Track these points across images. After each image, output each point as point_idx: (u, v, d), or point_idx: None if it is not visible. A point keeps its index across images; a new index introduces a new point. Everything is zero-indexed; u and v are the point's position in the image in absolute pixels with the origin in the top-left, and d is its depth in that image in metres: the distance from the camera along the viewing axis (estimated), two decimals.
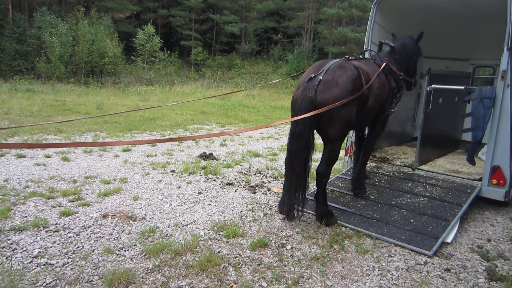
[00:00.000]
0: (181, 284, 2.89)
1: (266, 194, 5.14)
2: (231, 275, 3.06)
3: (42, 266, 3.04)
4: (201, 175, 5.90)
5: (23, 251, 3.27)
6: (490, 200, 4.82)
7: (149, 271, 3.06)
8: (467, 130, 5.22)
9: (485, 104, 4.59)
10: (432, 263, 3.44)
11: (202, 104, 16.39)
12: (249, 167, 6.59)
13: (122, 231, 3.77)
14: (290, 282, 3.00)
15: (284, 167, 4.33)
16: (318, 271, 3.19)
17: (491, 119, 4.58)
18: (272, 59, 36.11)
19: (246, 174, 6.11)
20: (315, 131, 3.90)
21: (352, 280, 3.10)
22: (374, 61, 4.57)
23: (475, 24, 6.51)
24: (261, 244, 3.57)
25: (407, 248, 3.67)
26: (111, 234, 3.68)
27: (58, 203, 4.41)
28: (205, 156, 7.05)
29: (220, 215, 4.33)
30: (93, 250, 3.35)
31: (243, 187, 5.43)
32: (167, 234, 3.76)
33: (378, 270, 3.27)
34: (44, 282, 2.83)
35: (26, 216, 3.99)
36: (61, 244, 3.43)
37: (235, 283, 2.94)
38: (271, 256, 3.41)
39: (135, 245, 3.49)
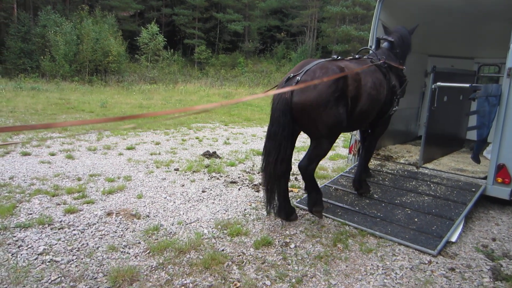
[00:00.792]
0: (185, 282, 2.90)
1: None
2: (235, 273, 3.06)
3: (47, 263, 3.06)
4: (204, 174, 5.91)
5: (29, 248, 3.29)
6: (495, 198, 4.78)
7: (153, 268, 3.07)
8: (472, 128, 5.18)
9: (491, 102, 4.56)
10: (437, 262, 3.42)
11: (206, 103, 16.41)
12: (253, 165, 6.59)
13: (126, 229, 3.78)
14: (293, 280, 2.99)
15: None
16: (322, 269, 3.19)
17: (497, 117, 4.54)
18: (275, 57, 36.08)
19: (249, 173, 6.11)
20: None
21: (356, 279, 3.09)
22: (371, 60, 4.32)
23: (480, 22, 6.46)
24: (264, 243, 3.57)
25: (411, 247, 3.65)
26: (116, 232, 3.70)
27: (62, 201, 4.43)
28: (208, 155, 7.06)
29: (224, 213, 4.34)
30: (97, 248, 3.37)
31: (247, 185, 5.43)
32: (171, 232, 3.77)
33: (382, 269, 3.26)
34: (49, 278, 2.85)
35: (31, 214, 4.01)
36: (66, 241, 3.45)
37: (238, 281, 2.94)
38: (275, 254, 3.41)
39: (139, 242, 3.50)
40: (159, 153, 7.13)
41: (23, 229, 3.64)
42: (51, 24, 24.28)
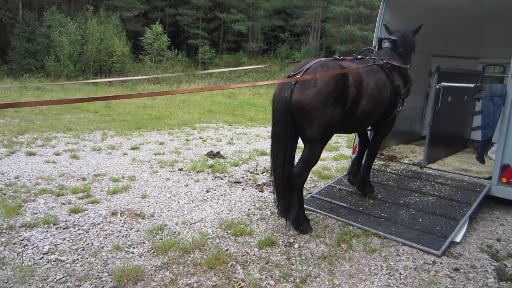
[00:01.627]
0: (189, 281, 2.91)
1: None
2: (239, 273, 3.07)
3: (53, 262, 3.09)
4: (208, 174, 5.92)
5: (34, 247, 3.32)
6: (500, 199, 4.76)
7: (157, 268, 3.08)
8: (477, 128, 5.16)
9: (495, 102, 4.54)
10: (441, 263, 3.41)
11: (209, 103, 16.44)
12: (257, 165, 6.60)
13: (131, 229, 3.81)
14: (297, 280, 3.00)
15: None
16: (326, 270, 3.19)
17: (501, 117, 4.52)
18: (279, 57, 36.05)
19: (253, 173, 6.12)
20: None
21: (360, 279, 3.09)
22: (373, 60, 4.25)
23: (484, 22, 6.43)
24: (268, 243, 3.57)
25: (415, 247, 3.64)
26: (120, 232, 3.72)
27: (67, 200, 4.46)
28: (212, 155, 7.08)
29: (228, 213, 4.35)
30: (102, 247, 3.39)
31: (251, 185, 5.44)
32: (175, 232, 3.78)
33: (386, 269, 3.25)
34: (55, 278, 2.87)
35: (36, 213, 4.05)
36: (71, 240, 3.48)
37: (243, 281, 2.95)
38: (279, 254, 3.41)
39: (144, 242, 3.52)
40: (163, 153, 7.15)
41: (29, 228, 3.67)
42: (56, 25, 24.42)
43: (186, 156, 7.05)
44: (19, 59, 24.28)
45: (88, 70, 24.49)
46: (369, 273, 3.19)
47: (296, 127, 3.65)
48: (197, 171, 6.00)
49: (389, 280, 3.08)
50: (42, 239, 3.46)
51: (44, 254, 3.21)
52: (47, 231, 3.63)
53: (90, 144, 7.55)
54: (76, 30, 24.31)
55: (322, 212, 4.40)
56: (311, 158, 3.75)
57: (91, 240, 3.52)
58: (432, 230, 3.86)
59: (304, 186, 5.48)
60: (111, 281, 2.86)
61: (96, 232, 3.69)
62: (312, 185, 5.62)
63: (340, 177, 5.41)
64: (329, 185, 5.16)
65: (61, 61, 23.13)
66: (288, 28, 38.70)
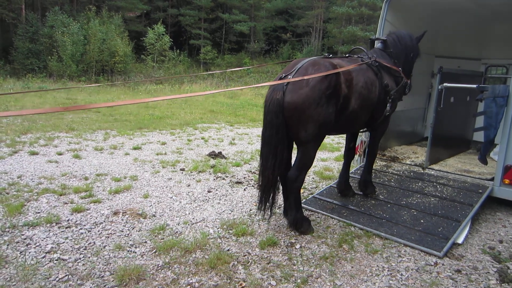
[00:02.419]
0: (191, 281, 2.91)
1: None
2: (240, 273, 3.07)
3: (55, 261, 3.10)
4: (210, 174, 5.93)
5: (37, 246, 3.33)
6: (502, 200, 4.75)
7: (159, 268, 3.09)
8: (479, 129, 5.15)
9: (498, 102, 4.53)
10: (443, 264, 3.41)
11: (211, 103, 16.45)
12: (258, 166, 6.59)
13: (133, 228, 3.82)
14: (299, 281, 3.00)
15: None
16: (327, 270, 3.19)
17: (504, 118, 4.51)
18: (281, 58, 36.05)
19: (255, 173, 6.12)
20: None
21: (361, 280, 3.09)
22: (361, 59, 4.18)
23: (487, 23, 6.42)
24: (270, 243, 3.58)
25: (417, 248, 3.64)
26: (122, 231, 3.73)
27: (70, 200, 4.48)
28: (214, 155, 7.09)
29: (229, 213, 4.35)
30: (104, 247, 3.40)
31: (252, 186, 5.44)
32: (177, 232, 3.79)
33: (388, 270, 3.25)
34: (57, 277, 2.88)
35: (39, 212, 4.06)
36: (73, 240, 3.49)
37: (244, 281, 2.95)
38: (280, 255, 3.41)
39: (146, 242, 3.53)
40: (165, 153, 7.16)
41: (31, 227, 3.68)
42: (58, 25, 24.48)
43: (188, 156, 7.06)
44: (22, 59, 24.35)
45: (91, 70, 24.53)
46: (370, 274, 3.19)
47: (289, 129, 3.57)
48: (199, 171, 6.01)
49: (391, 281, 3.08)
50: (44, 238, 3.48)
51: (46, 253, 3.23)
52: (49, 230, 3.64)
53: (93, 144, 7.57)
54: (78, 30, 24.35)
55: (324, 213, 4.41)
56: (306, 160, 3.70)
57: (93, 239, 3.53)
58: (434, 231, 3.86)
59: (306, 186, 5.51)
60: (113, 280, 2.87)
61: (98, 231, 3.70)
62: (314, 185, 5.62)
63: None
64: (330, 185, 5.16)
65: (63, 61, 23.18)
66: (290, 29, 38.72)
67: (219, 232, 3.83)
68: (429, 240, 3.72)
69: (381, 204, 4.52)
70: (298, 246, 3.59)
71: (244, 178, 5.81)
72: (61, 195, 4.61)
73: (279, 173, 3.64)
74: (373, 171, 5.47)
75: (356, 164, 5.91)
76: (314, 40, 35.12)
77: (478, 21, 6.34)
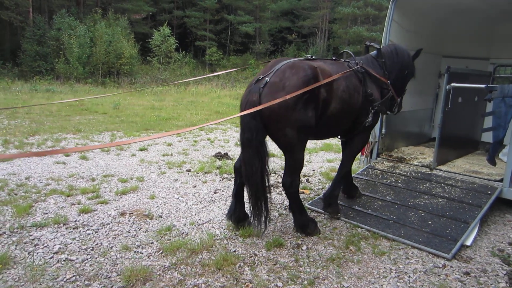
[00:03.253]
0: (197, 282, 2.91)
1: (281, 194, 5.13)
2: (246, 274, 3.07)
3: (63, 262, 3.12)
4: (216, 175, 5.93)
5: (44, 246, 3.36)
6: None
7: (166, 268, 3.09)
8: (488, 130, 5.09)
9: (507, 102, 4.49)
10: (451, 266, 3.37)
11: (217, 104, 16.49)
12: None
13: (139, 229, 3.83)
14: (305, 282, 2.99)
15: None
16: (334, 272, 3.17)
17: None
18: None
19: None
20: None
21: (368, 282, 3.06)
22: (348, 64, 3.98)
23: (496, 22, 6.36)
24: (276, 244, 3.57)
25: (425, 250, 3.60)
26: (129, 232, 3.74)
27: (77, 201, 4.51)
28: (220, 156, 7.09)
29: None
30: (111, 247, 3.41)
31: None
32: (183, 233, 3.80)
33: (395, 272, 3.22)
34: (65, 277, 2.90)
35: (46, 213, 4.09)
36: (80, 240, 3.51)
37: (250, 283, 2.94)
38: (287, 256, 3.40)
39: (152, 243, 3.54)
40: (171, 154, 7.19)
41: (39, 228, 3.71)
42: (65, 27, 24.68)
43: (194, 157, 7.08)
44: (29, 61, 24.59)
45: (97, 72, 24.69)
46: (377, 276, 3.16)
47: (269, 133, 3.49)
48: (205, 172, 6.02)
49: (398, 283, 3.06)
50: (52, 239, 3.50)
51: (54, 253, 3.25)
52: (57, 231, 3.67)
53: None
54: (85, 32, 24.54)
55: None
56: (295, 164, 3.60)
57: (100, 240, 3.55)
58: (442, 233, 3.82)
59: (312, 187, 5.49)
60: (120, 281, 2.88)
61: (105, 232, 3.72)
62: (320, 186, 5.60)
63: None
64: None
65: (70, 63, 23.36)
66: (295, 29, 38.69)
67: (226, 233, 3.83)
68: (437, 242, 3.68)
69: (388, 205, 4.49)
70: (304, 247, 3.58)
71: None
72: (68, 196, 4.64)
73: (267, 175, 3.51)
74: (380, 172, 5.44)
75: (363, 165, 5.89)
76: (320, 41, 35.05)
77: (486, 20, 6.28)
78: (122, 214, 4.19)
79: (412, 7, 5.88)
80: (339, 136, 4.41)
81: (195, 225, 3.99)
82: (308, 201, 4.84)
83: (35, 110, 11.66)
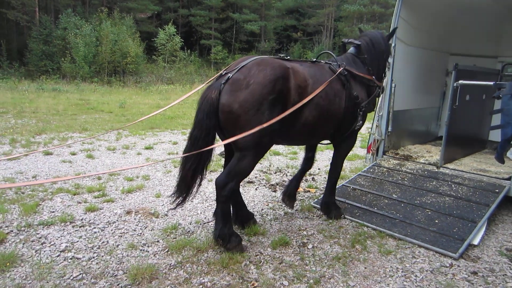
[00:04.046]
0: (203, 280, 2.92)
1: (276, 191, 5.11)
2: (252, 273, 3.06)
3: (69, 260, 3.14)
4: None
5: (51, 245, 3.38)
6: None
7: (171, 267, 3.10)
8: (496, 127, 5.03)
9: None
10: (458, 266, 3.34)
11: None
12: (270, 165, 6.58)
13: (145, 227, 3.84)
14: (311, 281, 2.97)
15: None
16: (340, 271, 3.16)
17: None
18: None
19: (266, 173, 6.10)
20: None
21: (375, 281, 3.05)
22: (329, 66, 3.67)
23: (504, 20, 6.27)
24: (282, 243, 3.56)
25: (431, 249, 3.57)
26: (135, 230, 3.76)
27: (83, 199, 4.53)
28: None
29: None
30: (117, 246, 3.42)
31: (264, 185, 5.43)
32: (189, 231, 3.80)
33: (402, 272, 3.20)
34: (71, 275, 2.92)
35: (53, 212, 4.12)
36: (87, 239, 3.53)
37: (256, 281, 2.94)
38: (292, 255, 3.39)
39: (158, 241, 3.55)
40: (177, 153, 7.20)
41: (46, 226, 3.74)
42: (71, 27, 24.86)
43: None
44: (36, 61, 24.80)
45: (103, 71, 24.85)
46: (384, 275, 3.14)
47: (224, 133, 3.21)
48: (210, 171, 6.02)
49: (405, 283, 3.03)
50: (59, 237, 3.52)
51: (61, 251, 3.27)
52: (63, 229, 3.69)
53: (105, 144, 7.65)
54: (91, 32, 24.70)
55: None
56: (239, 169, 3.19)
57: (106, 238, 3.56)
58: (449, 232, 3.78)
59: (318, 186, 5.47)
60: (126, 279, 2.89)
61: (111, 230, 3.73)
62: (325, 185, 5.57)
63: (354, 176, 5.36)
64: (342, 184, 5.11)
65: (76, 62, 23.53)
66: (301, 28, 38.57)
67: None
68: (444, 241, 3.65)
69: (395, 204, 4.46)
70: (310, 246, 3.57)
71: (256, 177, 5.80)
72: (75, 195, 4.67)
73: (201, 177, 3.29)
74: (386, 170, 5.41)
75: (369, 162, 5.85)
76: (325, 39, 34.92)
77: (494, 18, 6.21)
78: (128, 212, 4.21)
79: (419, 4, 5.82)
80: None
81: (200, 224, 4.00)
82: (314, 199, 4.83)
83: (42, 110, 11.75)
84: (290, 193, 4.28)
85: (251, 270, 3.10)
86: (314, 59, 3.78)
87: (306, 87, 3.28)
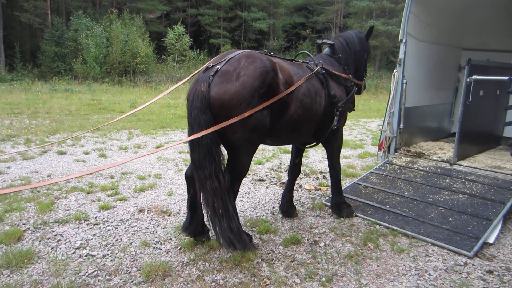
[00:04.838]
0: (215, 278, 2.93)
1: (297, 190, 5.11)
2: (264, 270, 3.07)
3: (84, 257, 3.19)
4: None
5: (67, 242, 3.44)
6: None
7: (184, 264, 3.13)
8: (511, 123, 4.94)
9: None
10: (473, 264, 3.30)
11: None
12: (280, 163, 6.58)
13: (158, 225, 3.88)
14: (323, 279, 2.97)
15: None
16: (352, 269, 3.14)
17: None
18: (304, 54, 35.80)
19: (277, 171, 6.10)
20: None
21: (387, 279, 3.03)
22: (307, 65, 3.64)
23: None
24: (293, 241, 3.56)
25: (445, 248, 3.53)
26: (148, 228, 3.80)
27: (97, 198, 4.60)
28: None
29: (252, 211, 4.36)
30: (131, 243, 3.47)
31: (275, 183, 5.43)
32: None
33: (415, 270, 3.17)
34: (87, 272, 2.97)
35: (68, 210, 4.19)
36: (101, 236, 3.58)
37: (268, 279, 2.95)
38: (304, 253, 3.39)
39: (171, 239, 3.58)
40: (188, 152, 7.23)
41: (61, 224, 3.80)
42: (82, 28, 25.17)
43: None
44: (48, 62, 25.19)
45: (114, 71, 25.11)
46: (397, 273, 3.12)
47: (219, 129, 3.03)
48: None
49: (418, 281, 3.01)
50: (74, 235, 3.58)
51: (76, 249, 3.32)
52: (78, 227, 3.75)
53: (117, 143, 7.74)
54: (101, 33, 24.97)
55: None
56: (239, 168, 3.18)
57: (120, 236, 3.61)
58: (463, 230, 3.73)
59: (328, 184, 5.44)
60: (139, 276, 2.93)
61: (125, 228, 3.78)
62: None
63: (366, 174, 5.32)
64: (354, 182, 5.09)
65: (87, 63, 23.83)
66: (310, 25, 38.38)
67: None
68: (458, 240, 3.61)
69: (407, 202, 4.41)
70: (322, 244, 3.56)
71: (266, 175, 5.81)
72: (88, 193, 4.74)
73: (224, 181, 2.99)
74: (398, 167, 5.36)
75: (381, 160, 5.81)
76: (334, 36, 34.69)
77: (508, 11, 6.08)
78: (141, 210, 4.25)
79: None
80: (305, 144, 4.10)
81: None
82: (325, 197, 4.82)
83: (55, 110, 11.94)
84: (287, 207, 4.20)
85: (263, 268, 3.11)
86: (292, 59, 3.73)
87: (292, 83, 3.24)
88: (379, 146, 5.91)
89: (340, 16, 35.55)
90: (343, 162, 6.85)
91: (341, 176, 5.86)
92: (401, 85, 5.56)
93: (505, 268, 3.26)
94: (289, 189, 4.21)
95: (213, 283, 2.87)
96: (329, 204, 4.54)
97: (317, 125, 3.68)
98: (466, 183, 4.73)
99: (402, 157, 5.75)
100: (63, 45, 25.78)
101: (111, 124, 9.84)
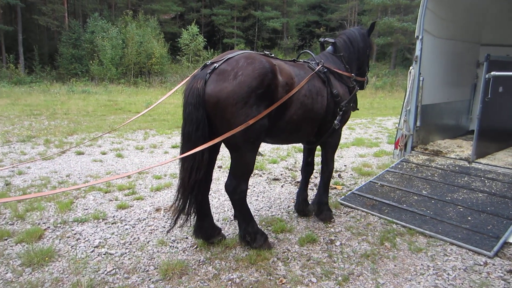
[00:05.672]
0: (231, 276, 2.96)
1: (312, 189, 5.10)
2: (280, 269, 3.08)
3: (103, 255, 3.26)
4: None
5: (86, 241, 3.52)
6: None
7: (200, 263, 3.16)
8: None
9: None
10: (493, 264, 3.23)
11: None
12: (295, 162, 6.57)
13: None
14: (340, 278, 2.96)
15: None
16: (369, 268, 3.12)
17: None
18: (314, 53, 35.55)
19: (292, 170, 6.09)
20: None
21: (405, 279, 2.99)
22: (308, 65, 3.61)
23: None
24: (309, 240, 3.55)
25: (464, 247, 3.47)
26: (164, 227, 3.85)
27: (114, 197, 4.68)
28: None
29: (268, 210, 4.37)
30: (148, 242, 3.52)
31: (290, 182, 5.42)
32: None
33: (433, 270, 3.13)
34: (105, 270, 3.03)
35: (87, 209, 4.28)
36: (119, 235, 3.65)
37: (284, 278, 2.95)
38: (320, 252, 3.38)
39: (187, 238, 3.62)
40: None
41: (80, 223, 3.89)
42: (98, 30, 25.66)
43: (225, 153, 7.14)
44: (66, 64, 25.77)
45: (129, 72, 25.50)
46: (415, 273, 3.08)
47: (213, 127, 3.02)
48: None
49: (437, 281, 2.96)
50: (92, 233, 3.66)
51: (95, 247, 3.40)
52: (97, 226, 3.83)
53: (134, 144, 7.86)
54: (117, 34, 25.40)
55: (364, 210, 4.31)
56: (242, 167, 3.17)
57: (137, 234, 3.67)
58: (483, 230, 3.66)
59: (344, 183, 5.41)
60: (157, 274, 2.97)
61: (142, 227, 3.84)
62: (352, 181, 5.51)
63: (382, 172, 5.26)
64: (370, 181, 5.03)
65: (104, 64, 24.28)
66: (323, 23, 38.12)
67: None
68: (477, 239, 3.53)
69: (425, 200, 4.35)
70: (338, 243, 3.54)
71: (281, 175, 5.80)
72: (106, 193, 4.83)
73: (196, 178, 2.99)
74: (415, 165, 5.28)
75: (397, 158, 5.74)
76: None
77: None
78: (157, 210, 4.31)
79: None
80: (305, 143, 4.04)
81: (228, 221, 4.05)
82: (341, 196, 4.79)
83: (73, 111, 12.20)
84: (302, 206, 4.19)
85: (279, 266, 3.12)
86: (294, 59, 3.72)
87: (293, 85, 3.22)
88: (395, 144, 5.84)
89: (354, 13, 35.18)
90: (358, 161, 6.79)
91: (357, 175, 5.83)
92: (417, 83, 5.47)
93: None
94: (303, 188, 4.20)
95: (229, 282, 2.90)
96: (344, 203, 4.51)
97: (320, 124, 3.65)
98: (486, 181, 4.63)
99: (419, 155, 5.66)
100: (80, 47, 26.33)
101: (127, 124, 10.00)
